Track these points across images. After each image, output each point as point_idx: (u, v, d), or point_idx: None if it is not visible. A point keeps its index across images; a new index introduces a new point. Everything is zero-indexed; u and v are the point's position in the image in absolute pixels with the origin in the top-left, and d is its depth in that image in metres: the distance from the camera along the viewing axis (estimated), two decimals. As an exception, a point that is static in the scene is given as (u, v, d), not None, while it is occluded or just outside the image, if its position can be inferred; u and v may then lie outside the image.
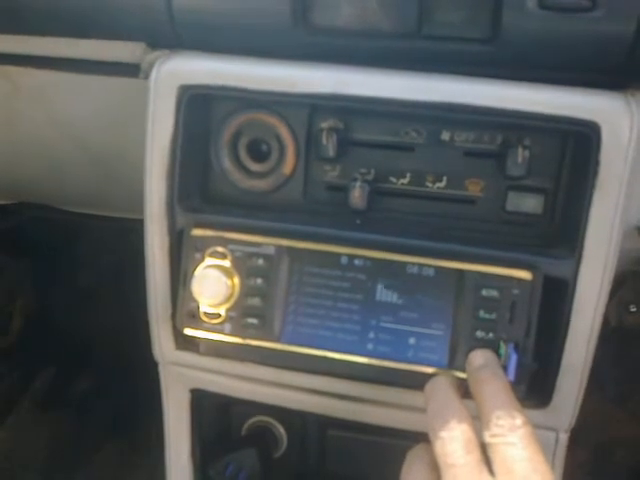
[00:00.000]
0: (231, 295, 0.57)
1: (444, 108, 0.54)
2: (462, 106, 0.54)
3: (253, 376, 0.62)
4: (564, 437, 0.60)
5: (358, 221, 0.60)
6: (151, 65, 0.60)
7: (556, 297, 0.55)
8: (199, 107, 0.60)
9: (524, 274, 0.54)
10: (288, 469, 0.69)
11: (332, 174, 0.61)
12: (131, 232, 0.66)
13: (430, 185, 0.60)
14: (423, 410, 0.60)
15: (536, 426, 0.59)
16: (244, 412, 0.70)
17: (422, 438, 0.62)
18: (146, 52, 0.61)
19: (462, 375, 0.56)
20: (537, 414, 0.58)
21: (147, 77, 0.60)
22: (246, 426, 0.69)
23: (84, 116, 0.73)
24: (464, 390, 0.49)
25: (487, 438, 0.42)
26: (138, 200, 0.62)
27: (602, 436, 1.25)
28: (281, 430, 0.68)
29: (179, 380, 0.66)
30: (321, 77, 0.56)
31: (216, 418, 0.70)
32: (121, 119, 0.70)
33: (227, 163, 0.62)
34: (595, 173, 0.53)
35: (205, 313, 0.58)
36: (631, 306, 1.30)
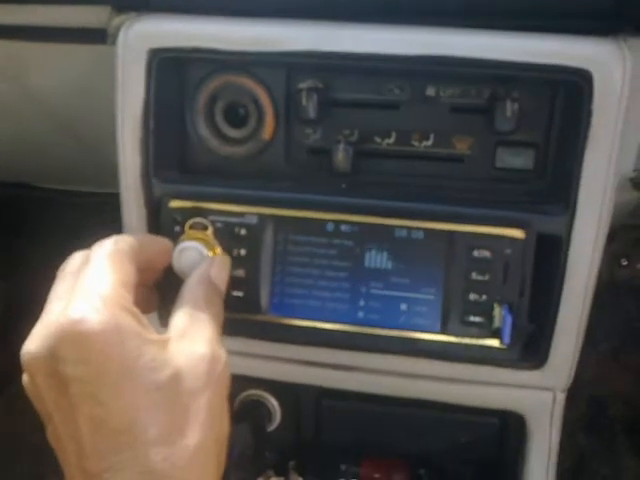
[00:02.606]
0: (214, 268, 0.55)
1: (428, 61, 0.52)
2: (447, 58, 0.51)
3: (242, 350, 0.61)
4: (561, 396, 0.60)
5: (343, 185, 0.58)
6: (118, 29, 0.57)
7: (550, 255, 0.54)
8: (171, 72, 0.57)
9: (516, 233, 0.53)
10: (283, 442, 0.68)
11: (314, 137, 0.59)
12: (107, 207, 0.64)
13: (416, 144, 0.58)
14: (417, 376, 0.60)
15: (533, 387, 0.59)
16: (235, 386, 0.67)
17: (417, 404, 0.62)
18: (112, 16, 0.58)
19: (455, 340, 0.54)
20: (534, 375, 0.57)
21: (115, 42, 0.57)
22: (238, 401, 0.68)
23: (53, 87, 0.71)
24: None
25: None
26: (113, 173, 0.60)
27: (596, 390, 1.25)
28: (274, 403, 0.67)
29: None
30: (297, 34, 0.53)
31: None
32: (93, 88, 0.67)
33: (204, 130, 0.59)
34: (588, 123, 0.51)
35: (188, 287, 0.56)
36: (622, 260, 1.30)
